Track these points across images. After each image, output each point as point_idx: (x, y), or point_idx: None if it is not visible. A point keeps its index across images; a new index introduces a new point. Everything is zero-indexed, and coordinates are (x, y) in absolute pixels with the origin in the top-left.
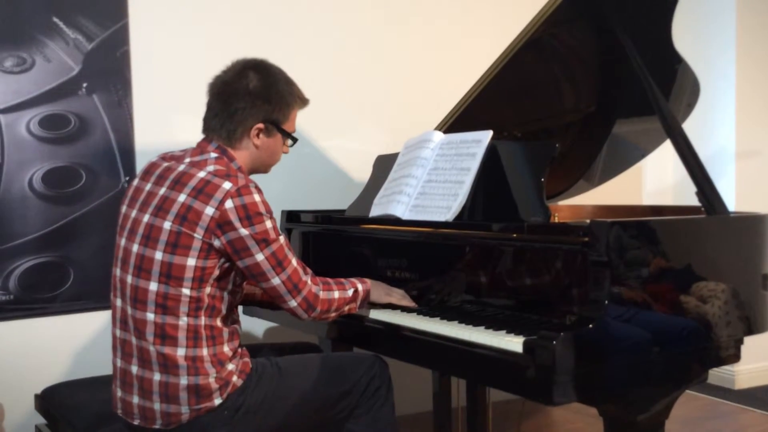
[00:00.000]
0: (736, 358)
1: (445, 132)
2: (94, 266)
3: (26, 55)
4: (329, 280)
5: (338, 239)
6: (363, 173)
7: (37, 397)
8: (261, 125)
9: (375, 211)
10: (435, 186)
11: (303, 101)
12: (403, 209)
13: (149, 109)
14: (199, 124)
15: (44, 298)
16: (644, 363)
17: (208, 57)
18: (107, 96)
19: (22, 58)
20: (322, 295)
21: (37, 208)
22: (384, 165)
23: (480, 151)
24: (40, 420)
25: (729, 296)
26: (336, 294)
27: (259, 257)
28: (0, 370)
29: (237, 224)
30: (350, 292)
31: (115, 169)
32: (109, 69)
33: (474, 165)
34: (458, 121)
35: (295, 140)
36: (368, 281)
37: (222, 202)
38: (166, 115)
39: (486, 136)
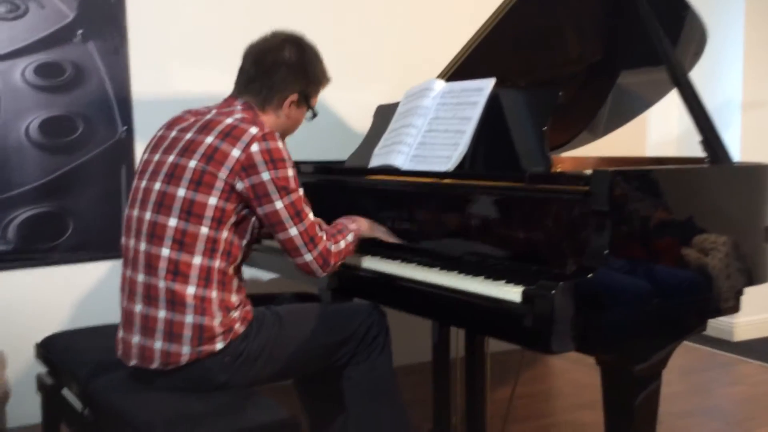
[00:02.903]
0: (735, 309)
1: (447, 81)
2: (93, 216)
3: (19, 1)
4: (332, 230)
5: (338, 190)
6: (363, 123)
7: (37, 345)
8: (295, 96)
9: (375, 162)
10: (436, 135)
11: (328, 80)
12: (403, 159)
13: (146, 57)
14: (196, 72)
15: (44, 248)
16: (643, 313)
17: (205, 3)
18: (103, 43)
19: (15, 4)
20: (333, 249)
21: (35, 157)
22: (384, 115)
23: (482, 100)
24: (42, 369)
25: (730, 248)
26: (342, 244)
27: (279, 205)
28: (1, 320)
29: (261, 168)
30: (350, 237)
31: (112, 119)
32: (104, 15)
33: (475, 114)
34: (460, 70)
35: (315, 115)
36: (357, 219)
37: (249, 145)
38: (163, 63)
39: (488, 84)
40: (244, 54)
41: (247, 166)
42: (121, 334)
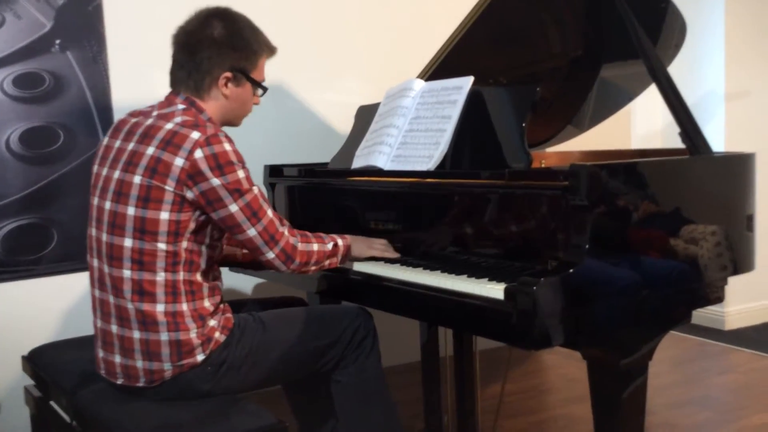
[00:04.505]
0: (720, 299)
1: (427, 80)
2: (78, 227)
3: None
4: (308, 233)
5: (322, 192)
6: (346, 125)
7: (24, 358)
8: (229, 74)
9: (357, 163)
10: (416, 135)
11: (270, 49)
12: (384, 160)
13: (125, 65)
14: None
15: (28, 260)
16: (629, 306)
17: (183, 8)
18: (81, 52)
19: None
20: (300, 246)
21: (16, 169)
22: (366, 116)
23: (461, 98)
24: (29, 381)
25: (720, 237)
26: (315, 246)
27: (233, 208)
28: None
29: (208, 174)
30: (329, 246)
31: (93, 128)
32: (81, 24)
33: (455, 112)
34: (440, 69)
35: (264, 89)
36: (348, 237)
37: (191, 152)
38: (143, 70)
39: (467, 82)
40: (171, 40)
41: (193, 174)
42: (101, 354)
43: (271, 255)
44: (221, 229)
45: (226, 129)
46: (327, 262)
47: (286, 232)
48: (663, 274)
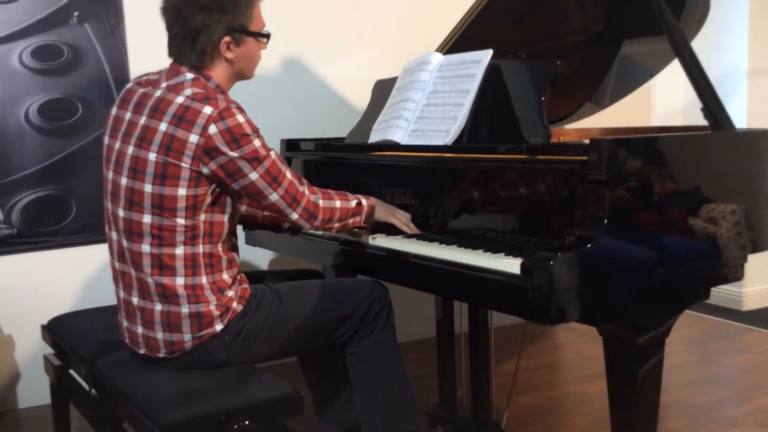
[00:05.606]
0: (739, 277)
1: (445, 54)
2: (96, 199)
3: None
4: (330, 191)
5: (338, 167)
6: (363, 99)
7: (43, 327)
8: (228, 38)
9: (374, 137)
10: (434, 109)
11: None
12: (401, 134)
13: (143, 37)
14: None
15: (48, 231)
16: (647, 283)
17: None
18: (99, 24)
19: None
20: (322, 203)
21: (35, 141)
22: (383, 90)
23: (479, 72)
24: (49, 350)
25: (739, 216)
26: (337, 203)
27: (254, 176)
28: (7, 303)
29: (224, 149)
30: (353, 204)
31: (112, 100)
32: None
33: (473, 86)
34: (459, 43)
35: (268, 36)
36: (373, 198)
37: (205, 128)
38: (161, 43)
39: (486, 55)
40: (160, 12)
41: (209, 150)
42: (125, 323)
43: (294, 216)
44: (239, 196)
45: (242, 83)
46: (351, 221)
47: (306, 191)
48: (681, 252)
